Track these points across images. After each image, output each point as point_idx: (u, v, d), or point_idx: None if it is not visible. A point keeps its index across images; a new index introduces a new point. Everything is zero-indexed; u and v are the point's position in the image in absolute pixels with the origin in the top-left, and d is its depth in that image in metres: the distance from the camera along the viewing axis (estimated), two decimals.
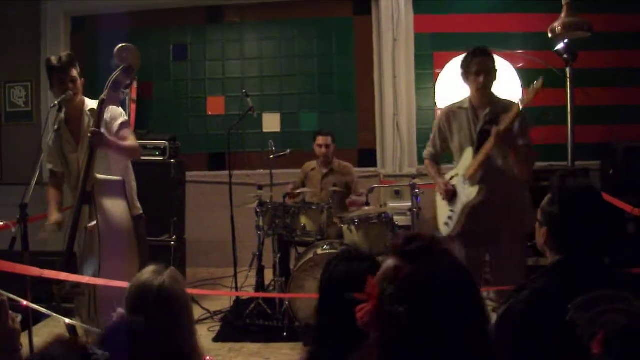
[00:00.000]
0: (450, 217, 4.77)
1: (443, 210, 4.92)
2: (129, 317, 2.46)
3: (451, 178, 4.86)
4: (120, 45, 4.29)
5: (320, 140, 7.18)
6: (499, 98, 4.78)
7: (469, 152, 4.68)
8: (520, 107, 4.33)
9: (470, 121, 4.74)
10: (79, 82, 4.54)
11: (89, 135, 4.21)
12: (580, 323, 2.24)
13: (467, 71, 4.72)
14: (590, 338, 2.19)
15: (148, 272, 2.54)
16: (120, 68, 4.26)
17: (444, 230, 4.86)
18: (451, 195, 4.79)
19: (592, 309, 2.26)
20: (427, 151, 5.17)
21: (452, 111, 4.90)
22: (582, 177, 4.69)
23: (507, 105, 4.64)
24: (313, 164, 7.34)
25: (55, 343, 1.87)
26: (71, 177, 4.64)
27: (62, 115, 4.61)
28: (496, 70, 4.76)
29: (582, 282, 2.36)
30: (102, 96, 4.25)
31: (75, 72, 4.52)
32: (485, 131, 4.58)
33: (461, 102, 4.88)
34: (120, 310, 2.48)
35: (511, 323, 2.39)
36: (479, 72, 4.64)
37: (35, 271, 3.81)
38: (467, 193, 4.63)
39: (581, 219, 2.48)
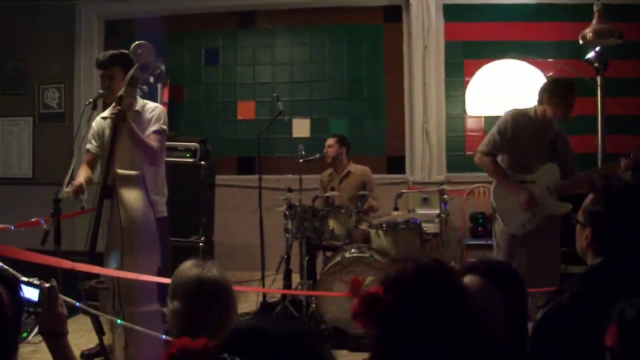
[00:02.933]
0: (530, 221, 5.09)
1: (515, 212, 5.15)
2: (188, 309, 2.48)
3: (523, 182, 5.15)
4: (135, 42, 4.36)
5: (326, 142, 7.33)
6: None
7: (553, 168, 5.10)
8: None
9: (537, 130, 5.11)
10: (119, 81, 4.58)
11: (113, 113, 4.31)
12: None
13: (562, 100, 5.00)
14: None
15: (196, 265, 2.57)
16: (137, 65, 4.33)
17: (519, 231, 5.16)
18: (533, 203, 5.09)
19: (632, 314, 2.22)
20: (488, 148, 5.31)
21: (520, 116, 5.19)
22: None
23: (560, 129, 5.28)
24: (329, 171, 7.42)
25: None
26: None
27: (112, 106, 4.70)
28: None
29: (624, 285, 2.32)
30: (120, 92, 4.32)
31: (114, 70, 4.59)
32: (556, 152, 5.16)
33: (527, 110, 5.21)
34: (176, 304, 2.50)
35: (550, 327, 2.37)
36: (570, 106, 5.03)
37: (67, 264, 3.85)
38: (557, 206, 5.08)
39: (627, 218, 2.44)
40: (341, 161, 7.27)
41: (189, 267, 2.59)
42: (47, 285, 2.34)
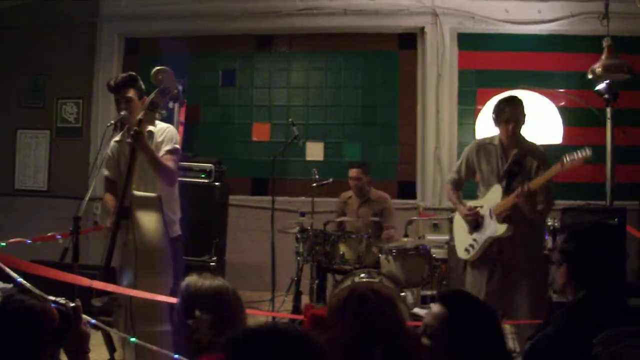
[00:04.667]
0: (472, 245, 5.06)
1: (464, 236, 5.17)
2: (217, 317, 2.58)
3: (475, 207, 5.11)
4: (156, 67, 4.46)
5: (350, 173, 7.23)
6: (525, 139, 5.11)
7: (497, 189, 4.99)
8: (557, 170, 4.67)
9: (498, 157, 5.07)
10: (135, 102, 4.69)
11: (130, 134, 4.38)
12: (604, 358, 2.31)
13: (499, 118, 5.02)
14: None
15: (209, 278, 2.68)
16: (157, 89, 4.43)
17: (464, 255, 5.17)
18: (475, 223, 5.05)
19: (615, 344, 2.33)
20: (451, 177, 5.46)
21: (482, 145, 5.22)
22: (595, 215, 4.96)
23: (533, 147, 5.10)
24: (349, 193, 7.39)
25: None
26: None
27: (125, 129, 4.79)
28: (525, 116, 5.04)
29: (605, 318, 2.44)
30: (140, 116, 4.41)
31: (130, 93, 4.67)
32: (514, 171, 4.97)
33: (491, 138, 5.20)
34: (205, 316, 2.58)
35: (537, 358, 2.48)
36: (509, 121, 4.95)
37: (85, 281, 3.93)
38: (494, 228, 4.91)
39: (598, 253, 2.58)
40: (364, 188, 7.24)
41: (199, 280, 2.71)
42: (72, 304, 2.44)
